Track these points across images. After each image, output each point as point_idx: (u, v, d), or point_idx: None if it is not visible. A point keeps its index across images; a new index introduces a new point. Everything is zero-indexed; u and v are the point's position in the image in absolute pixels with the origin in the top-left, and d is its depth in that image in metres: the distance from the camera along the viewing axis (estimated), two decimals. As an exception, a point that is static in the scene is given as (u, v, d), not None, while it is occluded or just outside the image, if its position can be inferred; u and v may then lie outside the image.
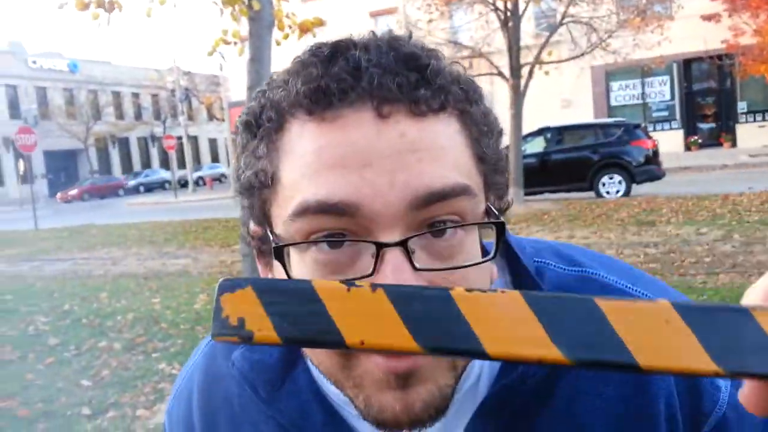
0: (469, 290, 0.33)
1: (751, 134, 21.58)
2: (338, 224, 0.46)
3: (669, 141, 20.50)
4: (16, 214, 26.19)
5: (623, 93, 22.80)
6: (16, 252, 13.24)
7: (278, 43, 4.28)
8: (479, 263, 0.49)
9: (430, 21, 14.05)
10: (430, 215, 0.46)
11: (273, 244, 0.48)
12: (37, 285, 8.71)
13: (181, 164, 40.95)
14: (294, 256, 0.48)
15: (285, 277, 0.48)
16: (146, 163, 48.72)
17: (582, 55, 12.93)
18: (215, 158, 52.58)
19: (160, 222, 16.88)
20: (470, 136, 0.50)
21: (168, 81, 36.27)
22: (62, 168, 45.05)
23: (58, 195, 36.84)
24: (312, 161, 0.47)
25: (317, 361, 0.52)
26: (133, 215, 20.90)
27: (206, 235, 13.16)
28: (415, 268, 0.45)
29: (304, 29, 4.65)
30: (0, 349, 5.46)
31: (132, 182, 40.86)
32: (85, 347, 5.33)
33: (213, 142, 53.54)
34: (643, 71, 21.11)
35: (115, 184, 39.77)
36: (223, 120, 33.24)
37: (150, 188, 40.33)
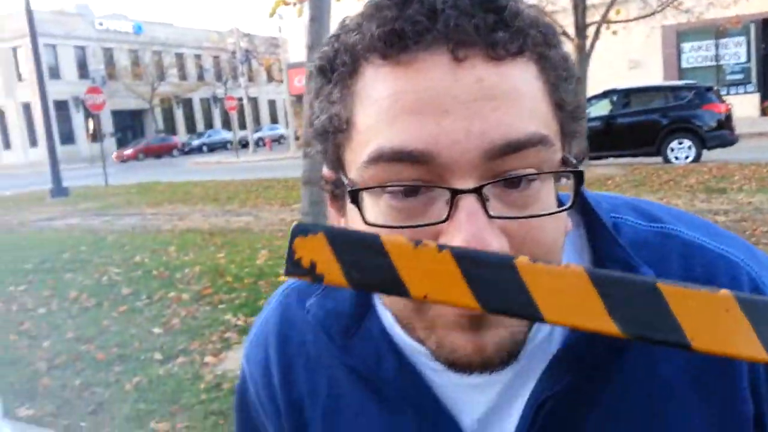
0: (533, 260, 0.34)
1: (835, 100, 20.30)
2: (413, 172, 0.46)
3: (744, 105, 19.48)
4: (86, 171, 27.33)
5: (695, 54, 21.69)
6: (88, 206, 13.86)
7: (338, 0, 4.26)
8: (555, 213, 0.48)
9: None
10: (506, 166, 0.46)
11: (348, 188, 0.49)
12: (108, 238, 9.12)
13: (242, 125, 41.62)
14: (368, 200, 0.48)
15: (359, 221, 0.48)
16: (209, 124, 49.79)
17: (652, 14, 12.33)
18: (274, 119, 53.24)
19: (223, 181, 17.28)
20: (548, 81, 0.48)
21: (229, 43, 36.74)
22: (129, 127, 46.55)
23: (114, 154, 37.95)
24: (388, 107, 0.46)
25: (390, 303, 0.53)
26: (198, 174, 21.47)
27: (267, 194, 13.42)
28: (489, 216, 0.44)
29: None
30: (77, 297, 5.77)
31: (195, 142, 41.84)
32: (156, 297, 5.57)
33: (272, 104, 54.16)
34: (717, 32, 19.99)
35: (169, 144, 40.68)
36: (282, 81, 33.49)
37: (212, 148, 41.25)
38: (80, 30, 43.46)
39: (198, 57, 49.57)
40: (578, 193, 0.49)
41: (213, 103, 49.08)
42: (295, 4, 4.71)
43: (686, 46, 21.58)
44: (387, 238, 0.36)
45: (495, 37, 0.45)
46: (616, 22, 12.11)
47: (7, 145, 43.76)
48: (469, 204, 0.44)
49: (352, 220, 0.51)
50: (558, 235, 0.49)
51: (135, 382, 3.76)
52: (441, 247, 0.35)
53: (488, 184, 0.45)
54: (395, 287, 0.35)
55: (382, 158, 0.46)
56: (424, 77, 0.45)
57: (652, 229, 0.58)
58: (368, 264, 0.35)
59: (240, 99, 35.07)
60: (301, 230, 0.36)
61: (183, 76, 48.12)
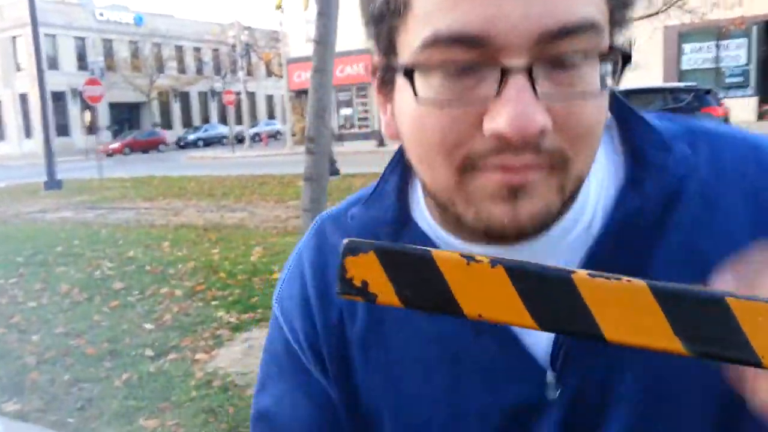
0: (591, 275, 0.33)
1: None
2: (467, 55, 0.46)
3: (742, 108, 19.47)
4: (81, 164, 27.21)
5: (696, 56, 21.64)
6: (82, 199, 13.79)
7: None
8: (601, 90, 0.49)
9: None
10: (558, 49, 0.46)
11: (402, 68, 0.50)
12: (102, 232, 9.06)
13: (239, 120, 41.55)
14: (419, 81, 0.49)
15: (410, 99, 0.50)
16: (205, 118, 49.63)
17: (656, 13, 12.32)
18: (271, 115, 53.13)
19: (218, 176, 17.23)
20: None
21: (229, 36, 36.57)
22: (126, 120, 46.40)
23: (100, 147, 37.52)
24: None
25: (431, 179, 0.53)
26: (193, 168, 21.42)
27: (262, 190, 13.38)
28: (536, 95, 0.46)
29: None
30: (69, 291, 5.72)
31: (191, 136, 41.68)
32: (148, 292, 5.52)
33: (270, 99, 54.04)
34: (719, 33, 19.98)
35: (156, 139, 40.35)
36: (281, 76, 33.41)
37: (209, 143, 41.13)
38: (81, 20, 43.29)
39: (198, 50, 49.36)
40: (622, 73, 0.50)
41: (210, 97, 48.91)
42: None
43: (687, 47, 21.55)
44: (438, 254, 0.35)
45: None
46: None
47: (2, 136, 43.58)
48: (518, 82, 0.45)
49: (400, 102, 0.53)
50: (600, 117, 0.50)
51: (125, 378, 3.71)
52: (494, 263, 0.34)
53: (539, 64, 0.46)
54: (450, 306, 0.35)
55: (438, 41, 0.46)
56: None
57: (680, 125, 0.61)
58: (421, 282, 0.35)
59: (238, 93, 34.98)
60: (351, 249, 0.36)
61: (182, 69, 47.92)
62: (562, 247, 0.56)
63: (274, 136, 42.20)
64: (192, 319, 4.76)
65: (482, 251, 0.53)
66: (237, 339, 4.28)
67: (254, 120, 47.25)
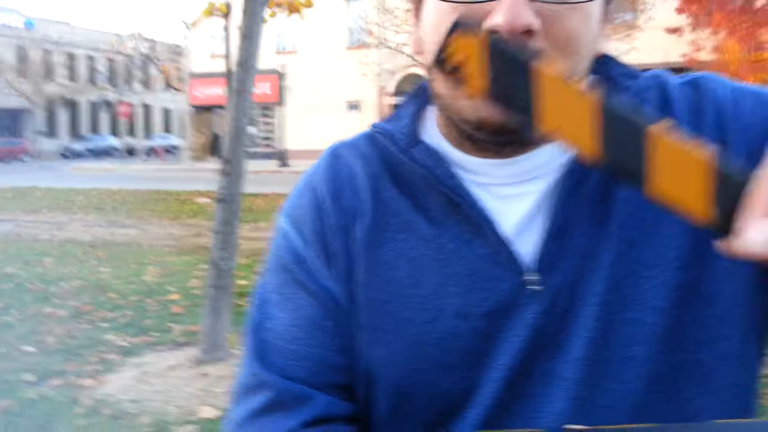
0: (666, 131, 0.36)
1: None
2: None
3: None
4: (-47, 170, 25.00)
5: (582, 99, 23.36)
6: (-48, 209, 12.66)
7: (265, 21, 4.19)
8: (586, 3, 0.58)
9: (408, 10, 14.08)
10: None
11: None
12: (-24, 245, 8.35)
13: (131, 132, 39.83)
14: None
15: (432, 11, 0.60)
16: (95, 128, 47.12)
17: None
18: (167, 129, 51.34)
19: (109, 189, 16.40)
20: None
21: (128, 47, 35.12)
22: (6, 127, 43.18)
23: None
24: None
25: (438, 85, 0.62)
26: (80, 180, 20.23)
27: (156, 207, 12.87)
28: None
29: (294, 9, 4.57)
30: (-65, 309, 5.21)
31: (78, 147, 39.43)
32: (29, 312, 5.13)
33: (167, 113, 52.20)
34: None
35: (17, 148, 37.53)
36: (181, 90, 32.46)
37: (97, 154, 39.05)
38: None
39: (91, 58, 46.88)
40: None
41: (102, 108, 46.59)
42: (224, 16, 4.58)
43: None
44: (542, 65, 0.37)
45: None
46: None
47: None
48: None
49: (427, 11, 0.62)
50: (584, 28, 0.59)
51: (2, 406, 3.41)
52: (587, 90, 0.36)
53: None
54: (527, 111, 0.37)
55: None
56: None
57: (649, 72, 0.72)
58: (515, 83, 0.36)
59: (133, 105, 33.57)
60: (461, 27, 0.38)
61: (73, 77, 45.42)
62: (552, 163, 0.65)
63: (170, 150, 40.81)
64: (78, 342, 4.46)
65: (482, 162, 0.66)
66: (128, 364, 4.06)
67: (149, 133, 45.45)
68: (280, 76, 24.53)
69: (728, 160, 0.35)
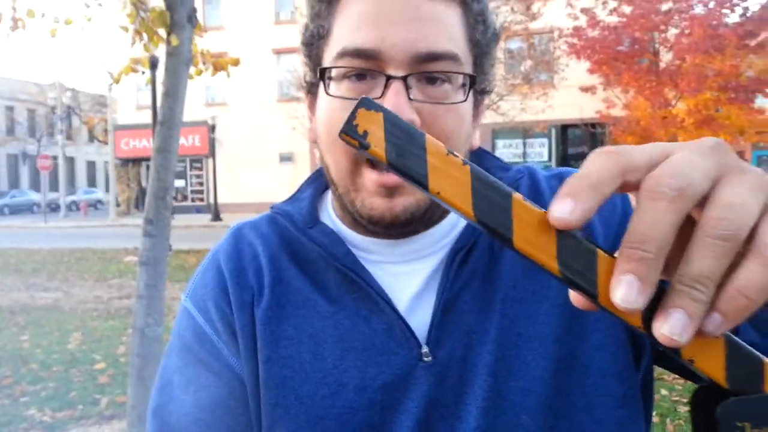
0: (524, 198, 0.42)
1: (617, 198, 23.58)
2: (365, 64, 0.66)
3: (546, 199, 21.83)
4: None
5: (507, 151, 24.17)
6: None
7: (191, 77, 4.23)
8: (455, 103, 0.66)
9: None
10: (428, 68, 0.65)
11: (318, 72, 0.68)
12: None
13: (54, 187, 38.37)
14: (333, 84, 0.67)
15: (324, 96, 0.68)
16: (14, 183, 45.13)
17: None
18: (92, 182, 49.71)
19: (28, 249, 15.69)
20: (468, 23, 0.69)
21: (49, 97, 34.08)
22: None
23: None
24: (355, 20, 0.66)
25: (335, 167, 0.69)
26: (-3, 239, 19.23)
27: (79, 267, 12.39)
28: (409, 98, 0.64)
29: (219, 67, 4.64)
30: None
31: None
32: (-60, 389, 4.83)
33: (91, 165, 50.62)
34: (525, 133, 22.59)
35: None
36: (107, 142, 31.64)
37: (16, 210, 37.23)
38: None
39: (10, 109, 45.27)
40: (470, 90, 0.69)
41: (22, 161, 44.80)
42: (143, 72, 4.60)
43: (500, 143, 24.03)
44: (430, 139, 0.43)
45: None
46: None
47: None
48: (396, 87, 0.64)
49: (319, 104, 0.71)
50: (458, 126, 0.67)
51: None
52: (465, 162, 0.42)
53: (411, 75, 0.65)
54: (420, 177, 0.42)
55: (346, 53, 0.66)
56: (382, 4, 0.66)
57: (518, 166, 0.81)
58: (408, 151, 0.42)
59: (55, 158, 32.44)
60: (366, 104, 0.43)
61: (-12, 129, 43.56)
62: (439, 243, 0.73)
63: (94, 205, 39.43)
64: (-4, 419, 4.24)
65: (375, 242, 0.73)
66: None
67: (72, 187, 43.85)
68: (210, 128, 24.33)
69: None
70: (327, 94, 0.67)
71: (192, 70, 4.47)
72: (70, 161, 45.85)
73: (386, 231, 0.70)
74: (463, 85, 0.68)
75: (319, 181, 0.80)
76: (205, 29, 4.71)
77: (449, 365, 0.68)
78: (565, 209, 0.36)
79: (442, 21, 0.66)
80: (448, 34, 0.66)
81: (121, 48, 6.20)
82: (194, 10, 4.08)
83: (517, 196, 0.41)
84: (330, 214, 0.78)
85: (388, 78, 0.64)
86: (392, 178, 0.64)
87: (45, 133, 41.75)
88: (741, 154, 20.84)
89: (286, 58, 26.23)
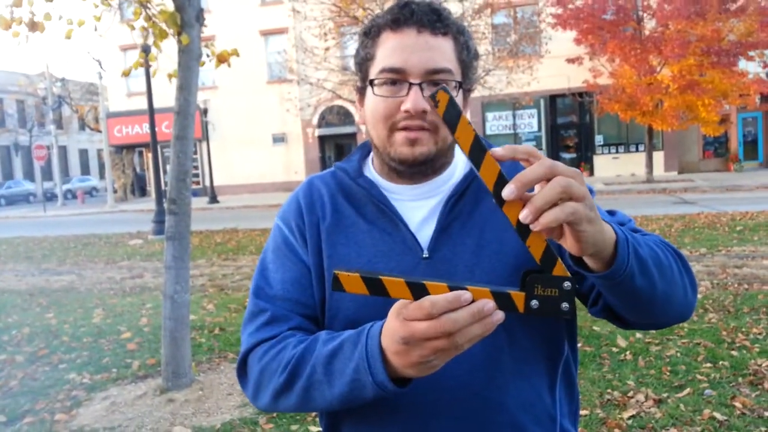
0: (492, 154, 0.77)
1: (606, 165, 23.97)
2: (396, 76, 1.02)
3: (536, 169, 22.17)
4: None
5: (497, 123, 24.52)
6: None
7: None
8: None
9: (327, 49, 14.75)
10: (434, 78, 1.01)
11: (369, 81, 1.06)
12: None
13: (47, 176, 38.42)
14: (376, 88, 1.04)
15: (371, 95, 1.05)
16: (8, 174, 45.18)
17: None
18: (86, 170, 49.75)
19: (35, 237, 16.04)
20: (458, 49, 1.05)
21: (39, 88, 34.03)
22: None
23: None
24: (389, 50, 1.03)
25: (377, 136, 1.07)
26: None
27: (88, 252, 12.76)
28: (423, 96, 0.99)
29: (222, 59, 5.00)
30: None
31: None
32: (-16, 360, 5.27)
33: (84, 153, 50.61)
34: (514, 105, 22.90)
35: None
36: (99, 130, 31.70)
37: (12, 201, 37.34)
38: None
39: (0, 101, 45.21)
40: (459, 89, 1.05)
41: (14, 152, 44.80)
42: (149, 65, 4.96)
43: (490, 115, 24.35)
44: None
45: (435, 26, 1.04)
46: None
47: None
48: (415, 89, 1.00)
49: (367, 100, 1.07)
50: None
51: (-20, 446, 3.64)
52: (474, 130, 0.77)
53: (424, 82, 1.01)
54: (453, 127, 0.78)
55: (384, 70, 1.03)
56: (405, 39, 1.03)
57: None
58: (453, 115, 0.78)
59: (48, 147, 32.52)
60: (441, 88, 0.80)
61: (-22, 121, 43.44)
62: (443, 187, 1.09)
63: (90, 192, 39.61)
64: (41, 382, 4.68)
65: (400, 187, 1.09)
66: (95, 398, 4.32)
67: (66, 176, 43.92)
68: (203, 112, 24.50)
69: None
70: (374, 94, 1.05)
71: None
72: (63, 150, 45.78)
73: (409, 170, 1.06)
74: (455, 87, 1.04)
75: (364, 149, 1.19)
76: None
77: (441, 263, 1.04)
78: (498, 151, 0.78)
79: (441, 48, 1.03)
80: (446, 57, 1.03)
81: (114, 39, 6.45)
82: (201, 10, 4.45)
83: (489, 151, 0.79)
84: (371, 169, 1.16)
85: (410, 84, 1.01)
86: (414, 134, 1.02)
87: (36, 124, 41.70)
88: (726, 117, 21.18)
89: (274, 39, 26.28)
